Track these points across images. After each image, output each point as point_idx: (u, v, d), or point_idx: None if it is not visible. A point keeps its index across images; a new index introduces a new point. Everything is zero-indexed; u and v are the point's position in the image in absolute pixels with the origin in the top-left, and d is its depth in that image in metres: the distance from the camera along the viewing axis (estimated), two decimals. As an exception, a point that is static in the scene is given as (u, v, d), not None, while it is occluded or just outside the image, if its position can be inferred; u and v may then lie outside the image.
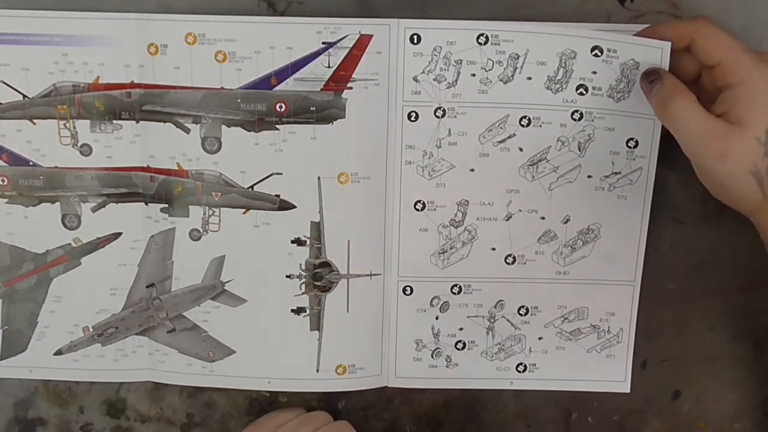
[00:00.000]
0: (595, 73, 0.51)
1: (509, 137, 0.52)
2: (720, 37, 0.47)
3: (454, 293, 0.55)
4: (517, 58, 0.51)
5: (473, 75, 0.51)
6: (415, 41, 0.51)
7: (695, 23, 0.48)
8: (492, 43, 0.50)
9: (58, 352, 0.56)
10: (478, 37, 0.50)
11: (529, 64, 0.51)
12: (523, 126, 0.52)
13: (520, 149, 0.53)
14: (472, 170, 0.53)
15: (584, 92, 0.51)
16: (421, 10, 0.52)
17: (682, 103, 0.46)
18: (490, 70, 0.51)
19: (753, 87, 0.45)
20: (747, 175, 0.45)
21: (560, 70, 0.51)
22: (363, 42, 0.51)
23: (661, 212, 0.55)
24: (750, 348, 0.57)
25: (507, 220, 0.54)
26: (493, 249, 0.54)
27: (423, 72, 0.51)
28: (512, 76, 0.51)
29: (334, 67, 0.51)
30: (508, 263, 0.54)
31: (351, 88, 0.51)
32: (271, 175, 0.53)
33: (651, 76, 0.48)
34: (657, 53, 0.49)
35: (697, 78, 0.49)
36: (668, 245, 0.56)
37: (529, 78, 0.51)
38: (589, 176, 0.53)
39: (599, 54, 0.50)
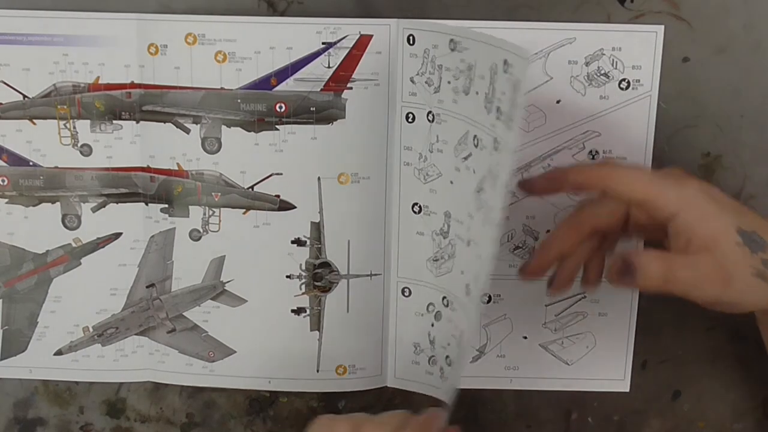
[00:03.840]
0: (505, 93, 0.41)
1: (469, 156, 0.46)
2: (632, 177, 0.44)
3: (445, 305, 0.52)
4: (470, 69, 0.44)
5: (449, 82, 0.47)
6: (411, 42, 0.50)
7: (602, 169, 0.45)
8: (457, 50, 0.45)
9: (58, 352, 0.56)
10: (449, 42, 0.46)
11: (479, 78, 0.44)
12: (475, 146, 0.45)
13: (474, 171, 0.45)
14: (452, 183, 0.49)
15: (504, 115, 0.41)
16: (421, 10, 0.52)
17: (658, 274, 0.43)
18: (458, 79, 0.46)
19: (693, 211, 0.43)
20: (753, 280, 0.43)
21: (491, 87, 0.42)
22: (363, 42, 0.51)
23: (661, 212, 0.54)
24: (750, 348, 0.57)
25: (468, 245, 0.48)
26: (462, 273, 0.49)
27: (417, 74, 0.50)
28: (468, 88, 0.45)
29: (334, 68, 0.51)
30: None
31: (351, 88, 0.51)
32: (271, 176, 0.53)
33: (621, 277, 0.44)
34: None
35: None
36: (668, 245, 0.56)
37: (477, 93, 0.44)
38: None
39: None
